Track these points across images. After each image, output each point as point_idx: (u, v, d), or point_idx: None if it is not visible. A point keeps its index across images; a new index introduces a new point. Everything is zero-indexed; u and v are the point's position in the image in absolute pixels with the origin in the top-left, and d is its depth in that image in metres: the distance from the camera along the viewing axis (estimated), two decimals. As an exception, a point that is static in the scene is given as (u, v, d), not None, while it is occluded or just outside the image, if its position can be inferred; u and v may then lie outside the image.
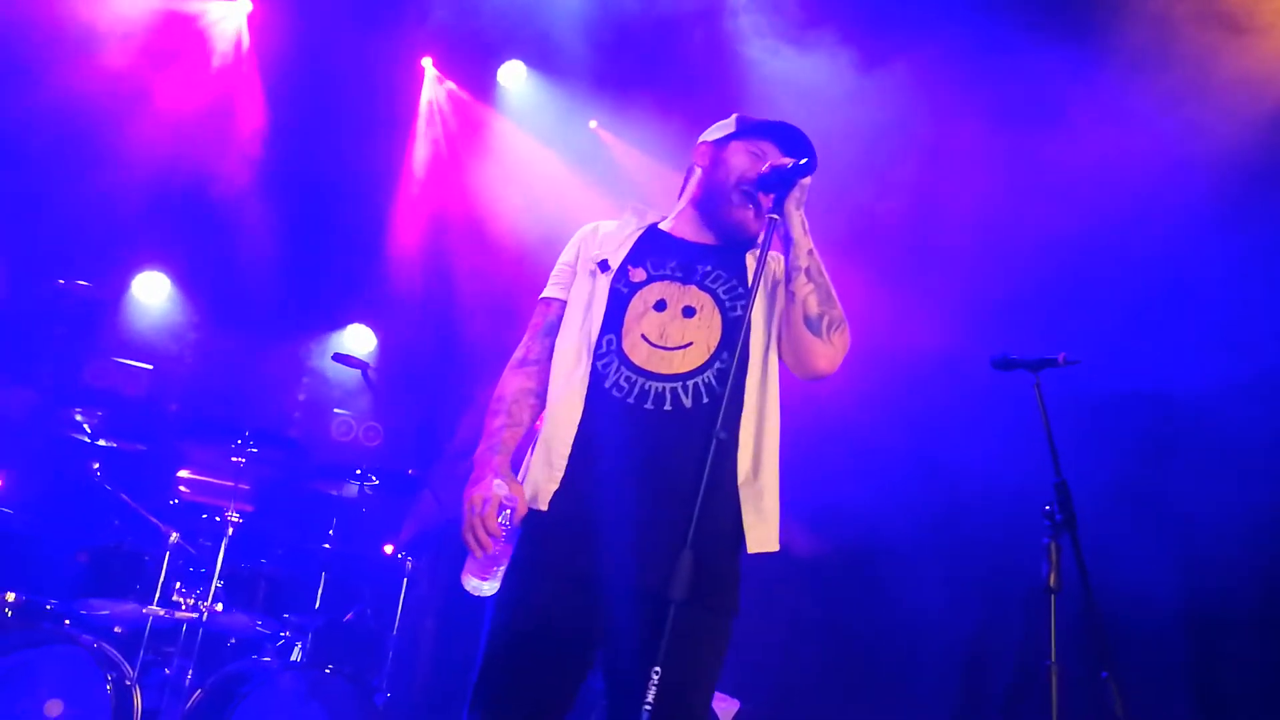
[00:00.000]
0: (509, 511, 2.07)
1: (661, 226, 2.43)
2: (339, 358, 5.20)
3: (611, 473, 2.09)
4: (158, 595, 3.92)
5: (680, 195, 2.49)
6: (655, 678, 1.83)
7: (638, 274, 2.28)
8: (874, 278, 4.61)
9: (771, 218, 2.18)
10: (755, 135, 2.34)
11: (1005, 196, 4.85)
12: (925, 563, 5.01)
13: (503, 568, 2.12)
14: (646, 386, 2.14)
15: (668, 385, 2.14)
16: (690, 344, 2.18)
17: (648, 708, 1.82)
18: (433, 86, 6.62)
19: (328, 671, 3.90)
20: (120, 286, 6.08)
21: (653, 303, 2.23)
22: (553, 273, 2.41)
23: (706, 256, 2.31)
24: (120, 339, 5.98)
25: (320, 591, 4.43)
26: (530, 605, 2.08)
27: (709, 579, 2.01)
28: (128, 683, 3.60)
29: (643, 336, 2.19)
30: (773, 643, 5.16)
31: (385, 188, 6.52)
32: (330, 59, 6.04)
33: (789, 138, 2.31)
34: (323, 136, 6.12)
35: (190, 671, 3.96)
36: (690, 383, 2.14)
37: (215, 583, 4.01)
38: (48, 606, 3.90)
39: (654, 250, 2.33)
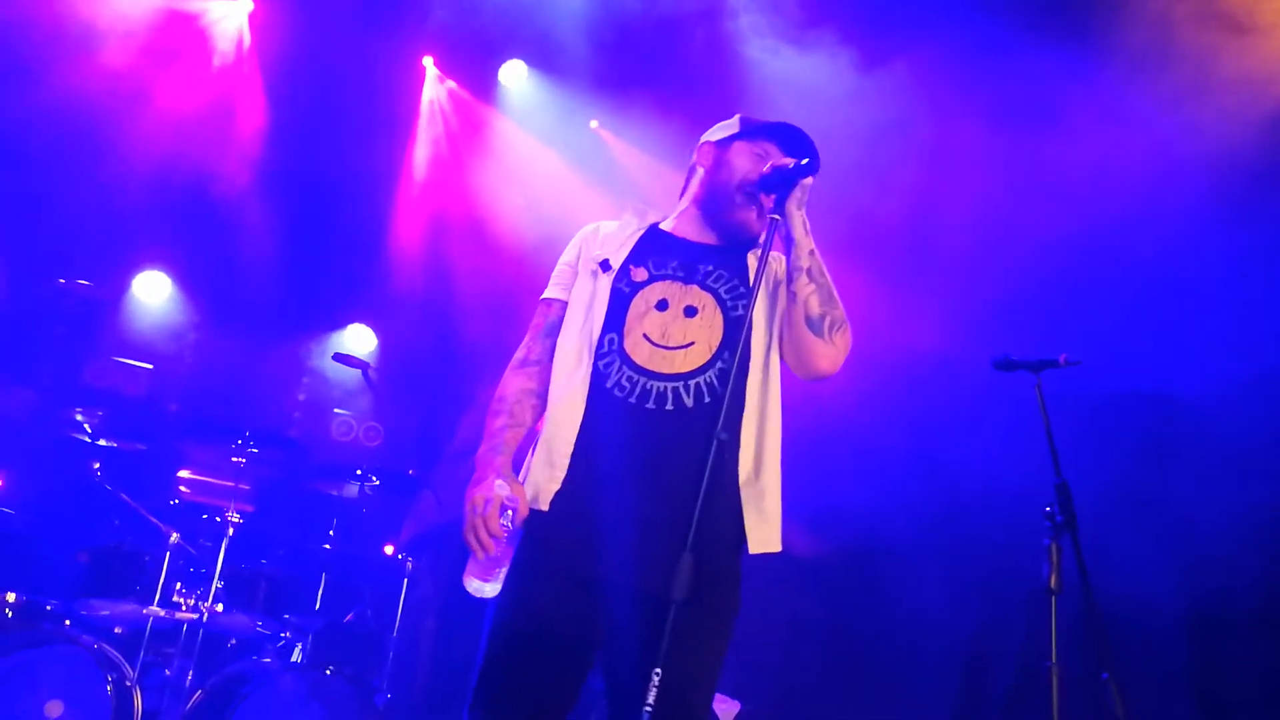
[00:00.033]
0: (511, 512, 2.06)
1: (663, 226, 2.43)
2: (339, 357, 5.20)
3: (613, 473, 2.09)
4: (158, 596, 3.91)
5: (682, 195, 2.49)
6: (656, 679, 1.83)
7: (639, 274, 2.28)
8: (875, 278, 4.61)
9: (773, 218, 2.18)
10: (758, 136, 2.35)
11: (1005, 197, 4.85)
12: (926, 564, 5.01)
13: (505, 569, 2.12)
14: (648, 386, 2.14)
15: (669, 385, 2.14)
16: (692, 343, 2.18)
17: (648, 709, 1.82)
18: (433, 86, 6.62)
19: (328, 672, 3.89)
20: (121, 286, 6.09)
21: (654, 302, 2.23)
22: (553, 273, 2.41)
23: (708, 256, 2.31)
24: (121, 338, 5.98)
25: (321, 592, 4.43)
26: (531, 605, 2.08)
27: (710, 580, 2.01)
28: (128, 683, 3.60)
29: (644, 336, 2.19)
30: (773, 643, 5.16)
31: (386, 187, 6.52)
32: (331, 58, 6.04)
33: (792, 139, 2.31)
34: (323, 136, 6.12)
35: (190, 672, 3.96)
36: (692, 382, 2.14)
37: (215, 583, 4.00)
38: (48, 607, 3.90)
39: (656, 250, 2.33)
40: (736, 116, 2.42)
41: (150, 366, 5.81)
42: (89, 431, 4.22)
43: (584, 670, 2.10)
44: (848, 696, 5.08)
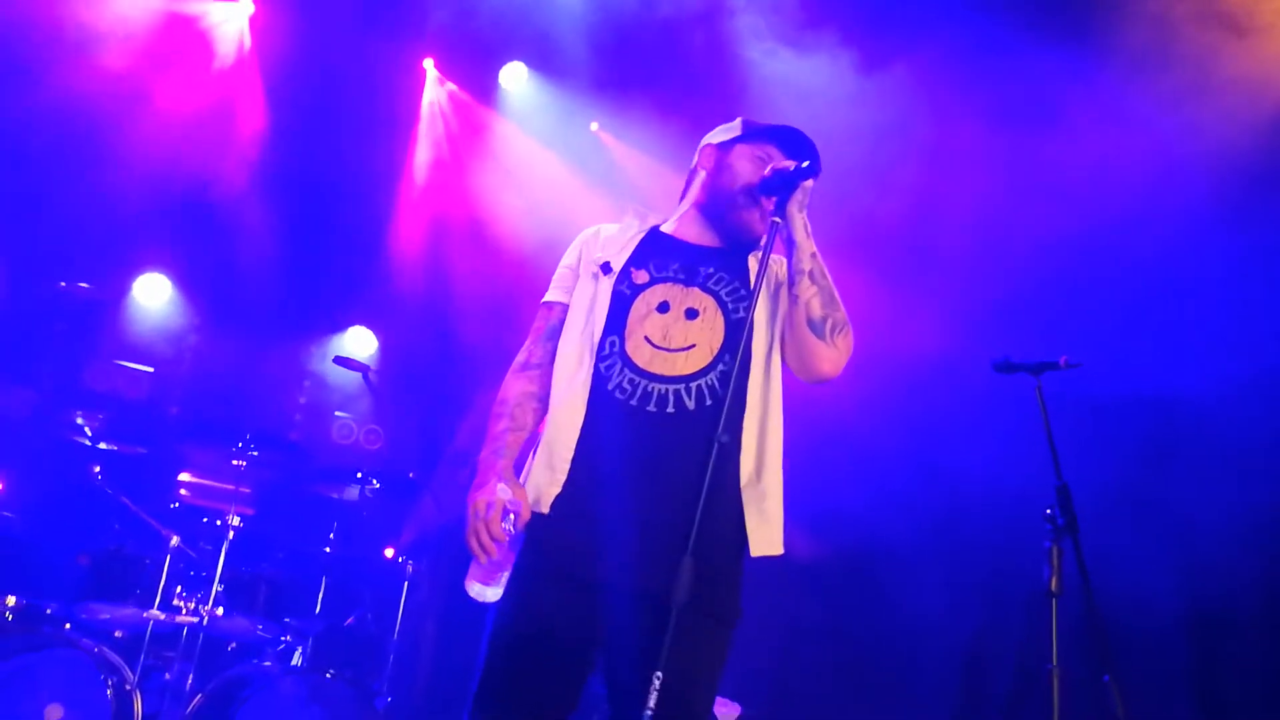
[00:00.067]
0: (513, 516, 2.06)
1: (663, 229, 2.43)
2: (340, 360, 5.18)
3: (614, 475, 2.09)
4: (158, 599, 3.91)
5: (682, 198, 2.49)
6: (657, 682, 1.83)
7: (640, 276, 2.28)
8: (875, 280, 4.61)
9: (774, 221, 2.17)
10: (760, 139, 2.35)
11: (1005, 198, 4.85)
12: (926, 566, 5.01)
13: (507, 573, 2.11)
14: (649, 388, 2.14)
15: (670, 387, 2.14)
16: (693, 346, 2.18)
17: (649, 712, 1.82)
18: (434, 88, 6.62)
19: (328, 676, 3.89)
20: (121, 289, 6.08)
21: (655, 304, 2.23)
22: (554, 276, 2.41)
23: (709, 259, 2.31)
24: (121, 341, 5.98)
25: (321, 595, 4.42)
26: (531, 609, 2.08)
27: (711, 583, 2.01)
28: (128, 687, 3.59)
29: (645, 338, 2.19)
30: (773, 647, 5.16)
31: (386, 190, 6.52)
32: (331, 60, 6.04)
33: (793, 141, 2.31)
34: (324, 138, 6.12)
35: (191, 676, 3.95)
36: (693, 385, 2.14)
37: (216, 586, 4.00)
38: (48, 610, 3.89)
39: (656, 252, 2.33)
40: (738, 119, 2.42)
41: (151, 369, 5.81)
42: (89, 434, 4.22)
43: (585, 673, 2.09)
44: (848, 700, 5.07)
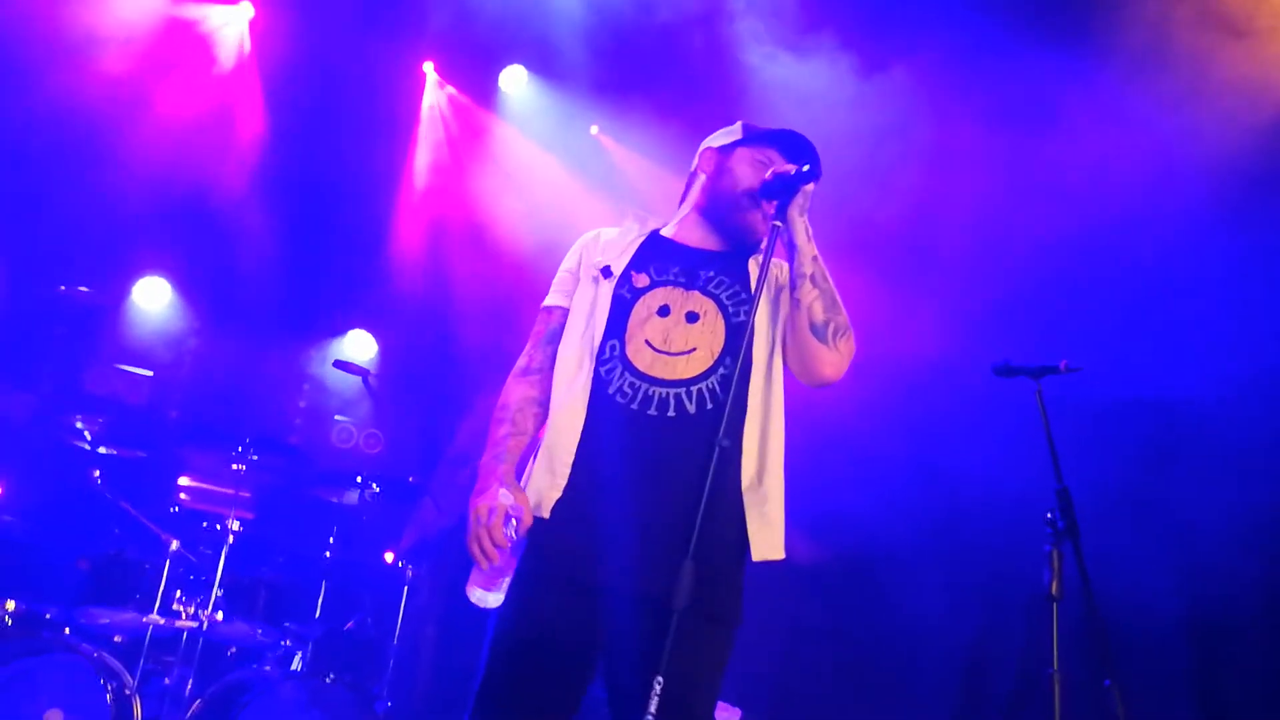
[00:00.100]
0: (515, 522, 2.05)
1: (663, 232, 2.43)
2: (340, 364, 5.18)
3: (615, 480, 2.09)
4: (158, 604, 3.91)
5: (682, 201, 2.49)
6: (658, 687, 1.82)
7: (641, 279, 2.28)
8: (875, 283, 4.60)
9: (775, 224, 2.17)
10: (761, 142, 2.35)
11: (1005, 201, 4.85)
12: (927, 570, 5.00)
13: (509, 578, 2.11)
14: (650, 392, 2.13)
15: (671, 391, 2.13)
16: (694, 349, 2.18)
17: (650, 717, 1.81)
18: (434, 91, 6.62)
19: (328, 680, 3.89)
20: (121, 293, 6.08)
21: (656, 308, 2.23)
22: (554, 281, 2.41)
23: (709, 262, 2.31)
24: (121, 345, 5.98)
25: (321, 600, 4.42)
26: (532, 614, 2.07)
27: (712, 587, 2.01)
28: (127, 692, 3.59)
29: (646, 342, 2.19)
30: (774, 650, 5.15)
31: (386, 193, 6.53)
32: (331, 64, 6.04)
33: (794, 145, 2.31)
34: (323, 142, 6.13)
35: (190, 681, 3.95)
36: (694, 388, 2.14)
37: (215, 591, 4.00)
38: (47, 615, 3.89)
39: (657, 256, 2.33)
40: (738, 123, 2.42)
41: (150, 373, 5.81)
42: (89, 439, 4.22)
43: (586, 678, 2.09)
44: (849, 703, 5.06)
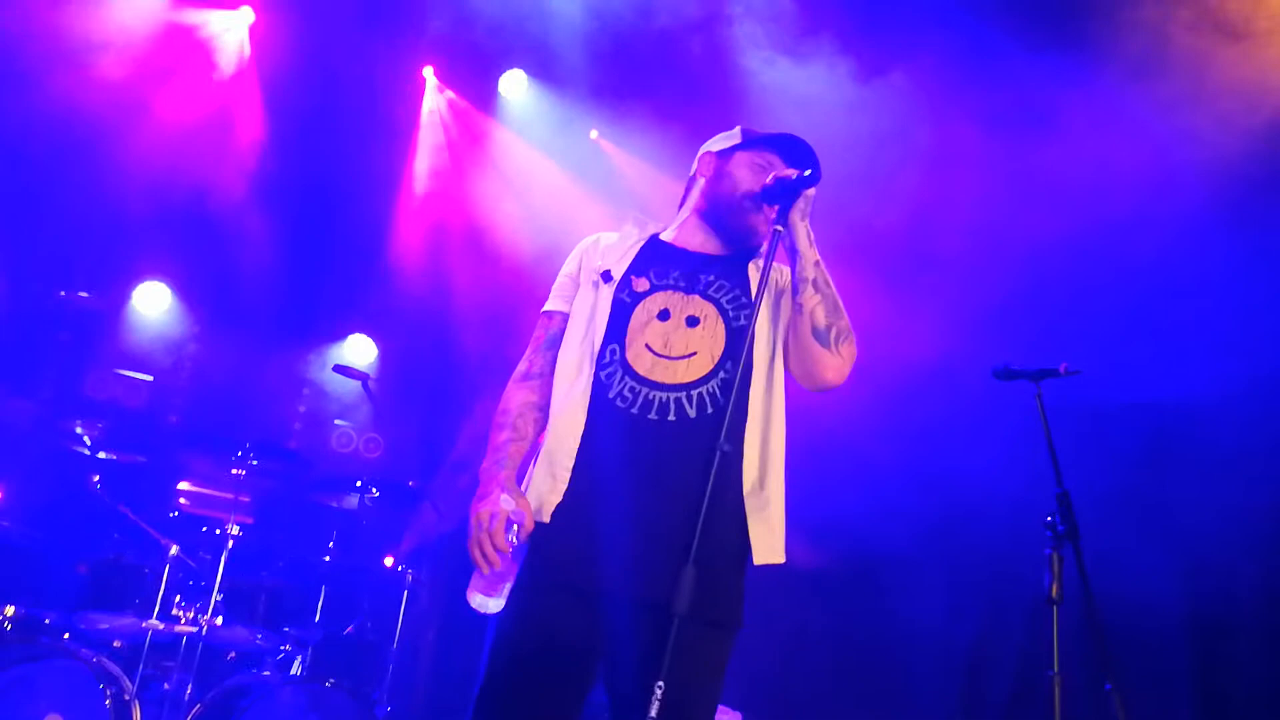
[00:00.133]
0: (517, 527, 2.05)
1: (663, 237, 2.44)
2: (339, 369, 5.18)
3: (615, 484, 2.08)
4: (157, 609, 3.90)
5: (681, 205, 2.49)
6: (659, 692, 1.82)
7: (641, 284, 2.28)
8: (874, 287, 4.61)
9: (776, 229, 2.17)
10: (760, 147, 2.35)
11: (1005, 205, 4.85)
12: (927, 573, 5.00)
13: (509, 584, 2.10)
14: (650, 396, 2.13)
15: (671, 395, 2.13)
16: (694, 353, 2.18)
17: (651, 721, 1.81)
18: (433, 96, 6.63)
19: (328, 685, 3.88)
20: (121, 298, 6.08)
21: (656, 312, 2.23)
22: (554, 285, 2.41)
23: (709, 266, 2.31)
24: (121, 350, 5.97)
25: (320, 604, 4.42)
26: (533, 619, 2.07)
27: (713, 592, 2.01)
28: (127, 697, 3.58)
29: (646, 346, 2.19)
30: (774, 654, 5.14)
31: (386, 198, 6.53)
32: (331, 68, 6.05)
33: (793, 149, 2.31)
34: (323, 146, 6.13)
35: (190, 686, 3.94)
36: (694, 392, 2.14)
37: (215, 596, 3.99)
38: (46, 620, 3.89)
39: (657, 260, 2.33)
40: (737, 128, 2.42)
41: (150, 378, 5.80)
42: (88, 444, 4.21)
43: (587, 684, 2.08)
44: (849, 707, 5.06)
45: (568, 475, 2.12)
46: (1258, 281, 4.50)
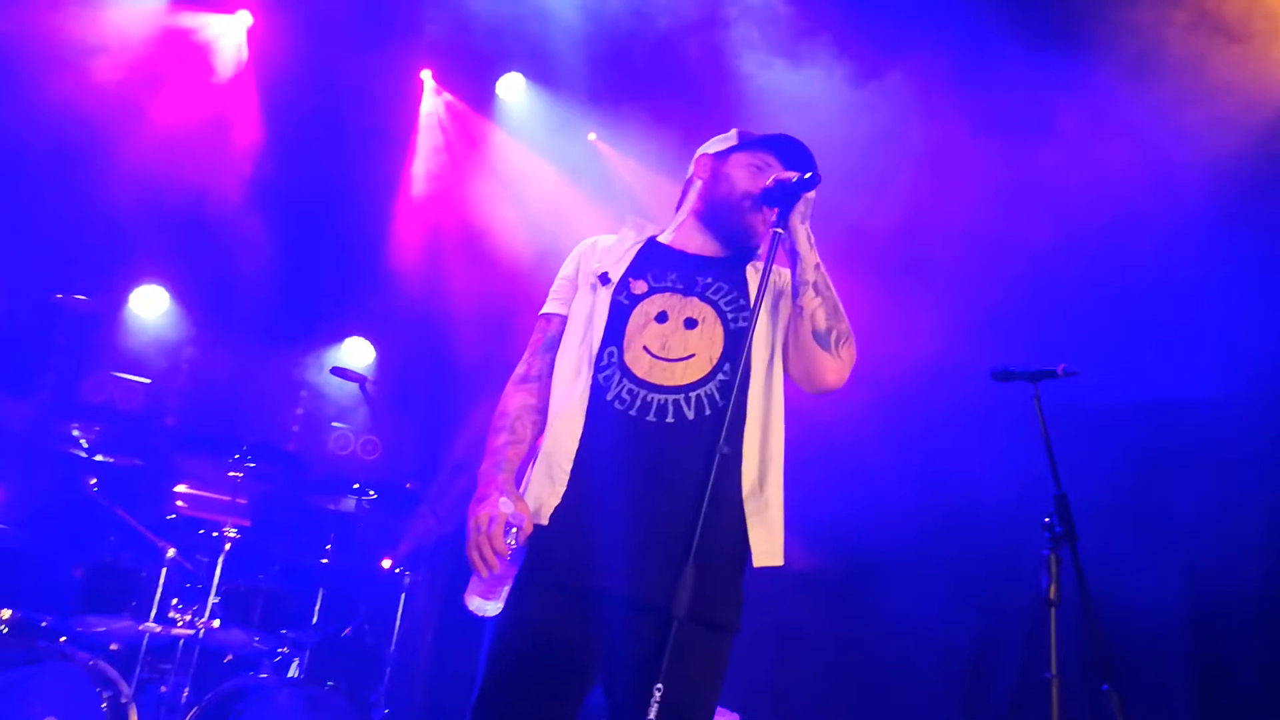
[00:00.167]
0: (515, 530, 2.04)
1: (661, 239, 2.44)
2: (337, 371, 5.18)
3: (614, 486, 2.08)
4: (154, 612, 3.89)
5: (679, 208, 2.49)
6: (657, 695, 1.81)
7: (639, 286, 2.28)
8: (872, 289, 4.61)
9: (776, 232, 2.17)
10: (756, 147, 2.36)
11: (1001, 206, 4.86)
12: (925, 576, 5.00)
13: (508, 587, 2.10)
14: (648, 399, 2.13)
15: (670, 397, 2.13)
16: (692, 355, 2.17)
17: (650, 725, 1.81)
18: (431, 99, 6.63)
19: (325, 688, 3.88)
20: (118, 301, 6.07)
21: (654, 315, 2.23)
22: (552, 288, 2.41)
23: (707, 268, 2.31)
24: (118, 353, 5.96)
25: (318, 607, 4.40)
26: (531, 622, 2.06)
27: (711, 594, 2.00)
28: (123, 700, 3.57)
29: (644, 348, 2.18)
30: (772, 656, 5.14)
31: (384, 200, 6.53)
32: (329, 71, 6.05)
33: (790, 150, 2.31)
34: (321, 149, 6.13)
35: (187, 689, 3.93)
36: (693, 395, 2.14)
37: (212, 599, 3.98)
38: (43, 623, 3.87)
39: (655, 262, 2.34)
40: (733, 130, 2.43)
41: (147, 381, 5.79)
42: (85, 447, 4.20)
43: (585, 687, 2.08)
44: (847, 709, 5.05)
45: (566, 478, 2.11)
46: (1255, 282, 4.51)
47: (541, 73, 6.21)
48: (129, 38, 5.65)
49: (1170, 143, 4.52)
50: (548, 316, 2.37)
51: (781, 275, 2.32)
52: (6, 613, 3.79)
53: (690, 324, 2.21)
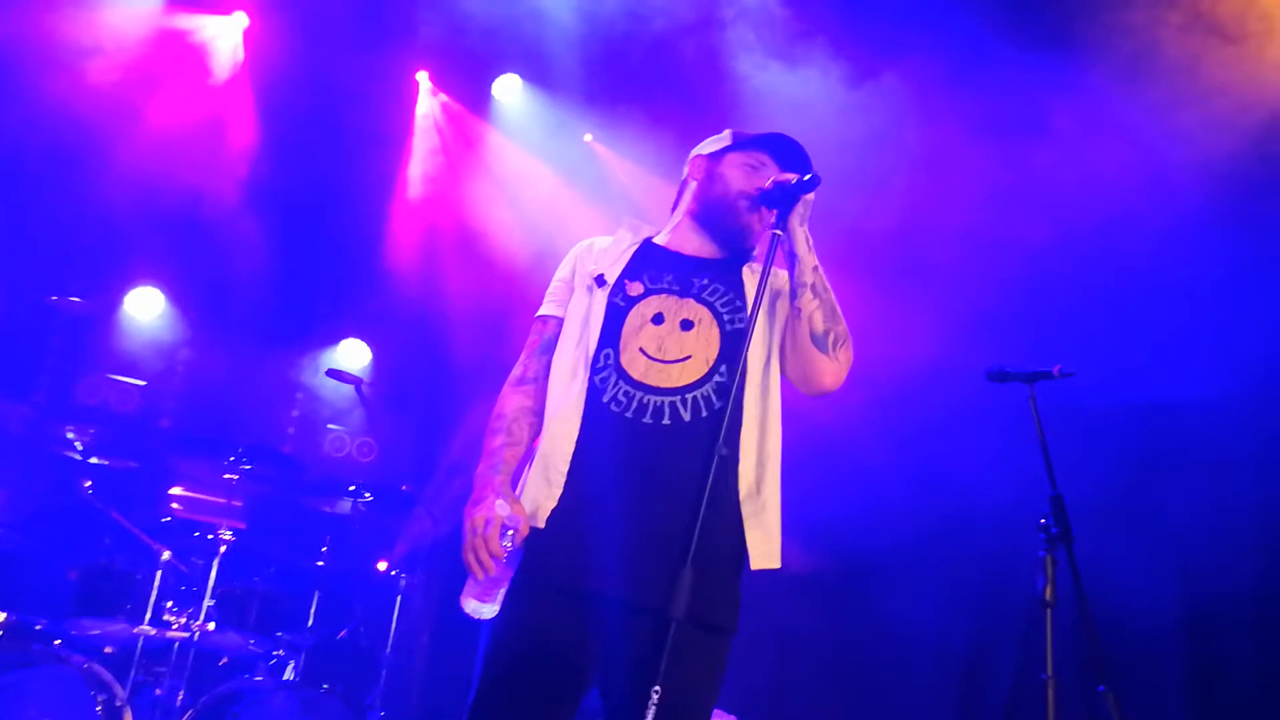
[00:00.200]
0: (512, 532, 2.04)
1: (656, 240, 2.44)
2: (332, 373, 5.16)
3: (610, 488, 2.08)
4: (149, 614, 3.88)
5: (674, 209, 2.49)
6: (655, 697, 1.81)
7: (635, 288, 2.28)
8: (868, 290, 4.61)
9: (775, 233, 2.17)
10: (751, 147, 2.36)
11: (997, 207, 4.86)
12: (921, 577, 5.00)
13: (504, 590, 2.09)
14: (645, 400, 2.13)
15: (666, 399, 2.13)
16: (689, 357, 2.17)
17: (647, 727, 1.81)
18: (427, 100, 6.63)
19: (321, 690, 3.87)
20: (113, 302, 6.06)
21: (650, 316, 2.23)
22: (548, 290, 2.41)
23: (703, 270, 2.31)
24: (113, 355, 5.95)
25: (313, 609, 4.39)
26: (528, 624, 2.06)
27: (709, 597, 2.00)
28: (118, 703, 3.57)
29: (641, 350, 2.18)
30: (769, 658, 5.14)
31: (379, 202, 6.52)
32: (324, 73, 6.04)
33: (785, 149, 2.32)
34: (317, 151, 6.12)
35: (182, 692, 3.92)
36: (689, 396, 2.13)
37: (207, 601, 3.97)
38: (37, 626, 3.87)
39: (650, 264, 2.33)
40: (727, 131, 2.43)
41: (142, 383, 5.78)
42: (80, 449, 4.20)
43: (582, 689, 2.08)
44: (844, 710, 5.05)
45: (563, 480, 2.11)
46: (1250, 283, 4.52)
47: (537, 74, 6.21)
48: (125, 39, 5.64)
49: (1165, 144, 4.53)
50: (544, 318, 2.37)
51: (779, 277, 2.32)
52: (1, 616, 3.78)
53: (686, 325, 2.21)
